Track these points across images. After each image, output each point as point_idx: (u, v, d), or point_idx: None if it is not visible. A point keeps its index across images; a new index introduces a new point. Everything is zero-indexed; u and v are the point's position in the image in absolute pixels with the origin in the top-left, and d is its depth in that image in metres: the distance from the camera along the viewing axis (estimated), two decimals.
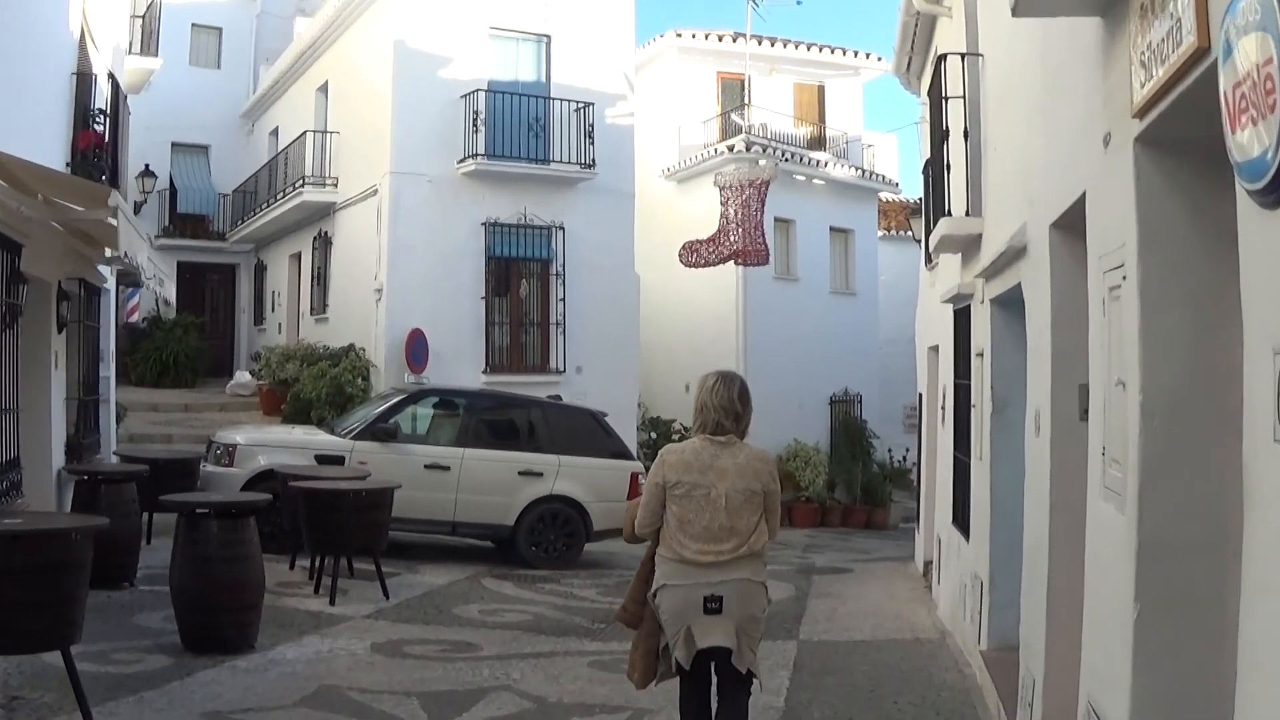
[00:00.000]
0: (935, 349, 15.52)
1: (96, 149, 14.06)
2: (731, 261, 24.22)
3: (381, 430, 16.17)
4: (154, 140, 32.59)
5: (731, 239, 23.54)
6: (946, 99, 10.82)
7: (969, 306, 11.18)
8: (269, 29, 35.02)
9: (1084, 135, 5.81)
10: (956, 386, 12.45)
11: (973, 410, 10.71)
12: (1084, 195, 5.80)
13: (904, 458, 30.02)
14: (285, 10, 34.39)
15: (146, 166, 31.86)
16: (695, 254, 24.18)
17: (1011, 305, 9.36)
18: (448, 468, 16.16)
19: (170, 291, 15.28)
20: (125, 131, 15.88)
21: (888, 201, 35.11)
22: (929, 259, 15.91)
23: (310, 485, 12.81)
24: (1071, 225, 6.47)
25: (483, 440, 16.81)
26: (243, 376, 27.99)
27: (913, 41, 16.25)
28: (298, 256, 29.65)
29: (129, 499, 12.54)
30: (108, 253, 10.50)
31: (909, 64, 17.47)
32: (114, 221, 8.91)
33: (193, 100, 33.97)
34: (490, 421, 17.41)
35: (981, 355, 10.11)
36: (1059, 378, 6.85)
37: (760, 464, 6.36)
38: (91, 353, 15.38)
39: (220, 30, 35.75)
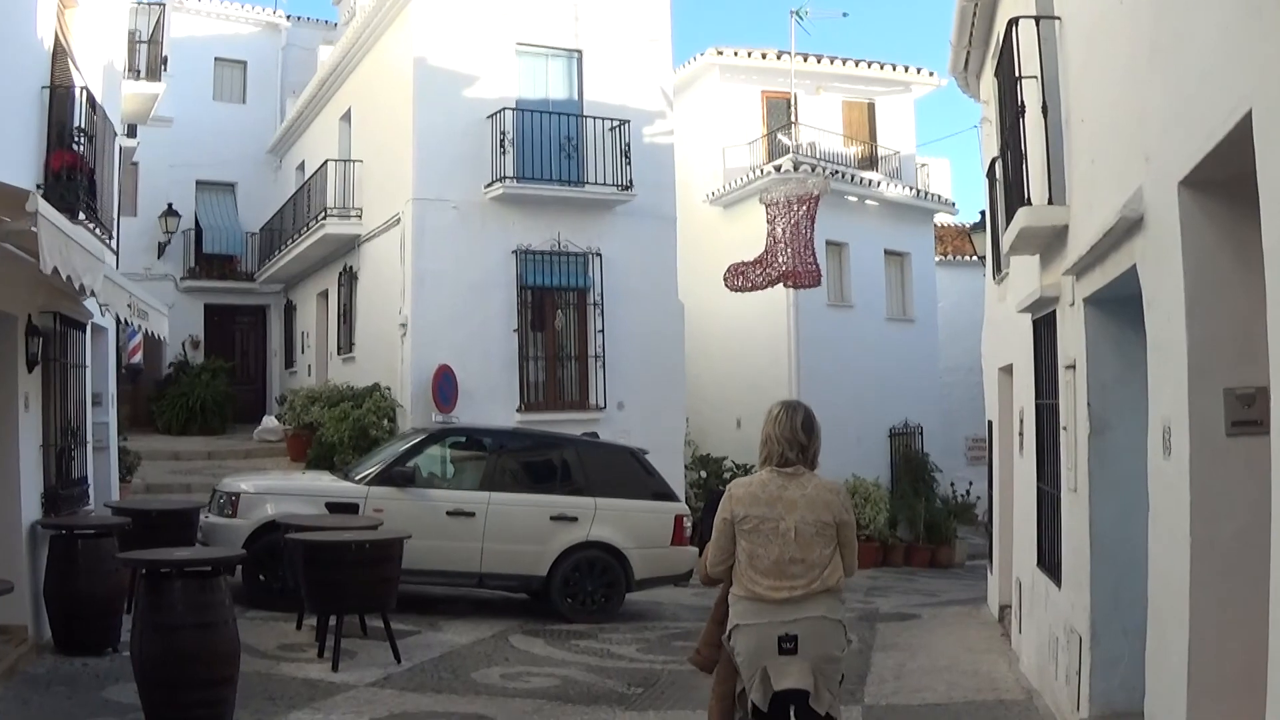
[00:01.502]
0: (1008, 369, 14.00)
1: (72, 170, 12.71)
2: (781, 284, 22.69)
3: (398, 474, 14.87)
4: (178, 178, 32.30)
5: (780, 260, 21.99)
6: (1020, 76, 9.28)
7: (1053, 313, 9.63)
8: (295, 61, 34.01)
9: (1241, 38, 4.31)
10: (1038, 408, 10.87)
11: (1062, 433, 9.13)
12: (1246, 119, 4.24)
13: (967, 492, 28.70)
14: (311, 42, 33.48)
15: (170, 206, 31.47)
16: (741, 277, 22.66)
17: (1111, 304, 7.86)
18: (473, 514, 14.81)
19: (161, 327, 13.91)
20: (107, 154, 14.52)
21: (943, 226, 33.75)
22: (997, 269, 14.42)
23: (309, 537, 11.60)
24: (1211, 178, 5.00)
25: (511, 483, 15.48)
26: (270, 422, 26.91)
27: (971, 32, 14.77)
28: (325, 294, 28.45)
29: (109, 555, 11.26)
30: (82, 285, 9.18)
31: (967, 61, 15.99)
32: (35, 230, 7.48)
33: (217, 136, 33.03)
34: (519, 462, 16.09)
35: (1073, 367, 8.55)
36: (1198, 381, 5.30)
37: (831, 495, 6.16)
38: (78, 395, 14.04)
39: (245, 64, 34.61)
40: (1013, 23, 9.31)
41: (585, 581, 15.24)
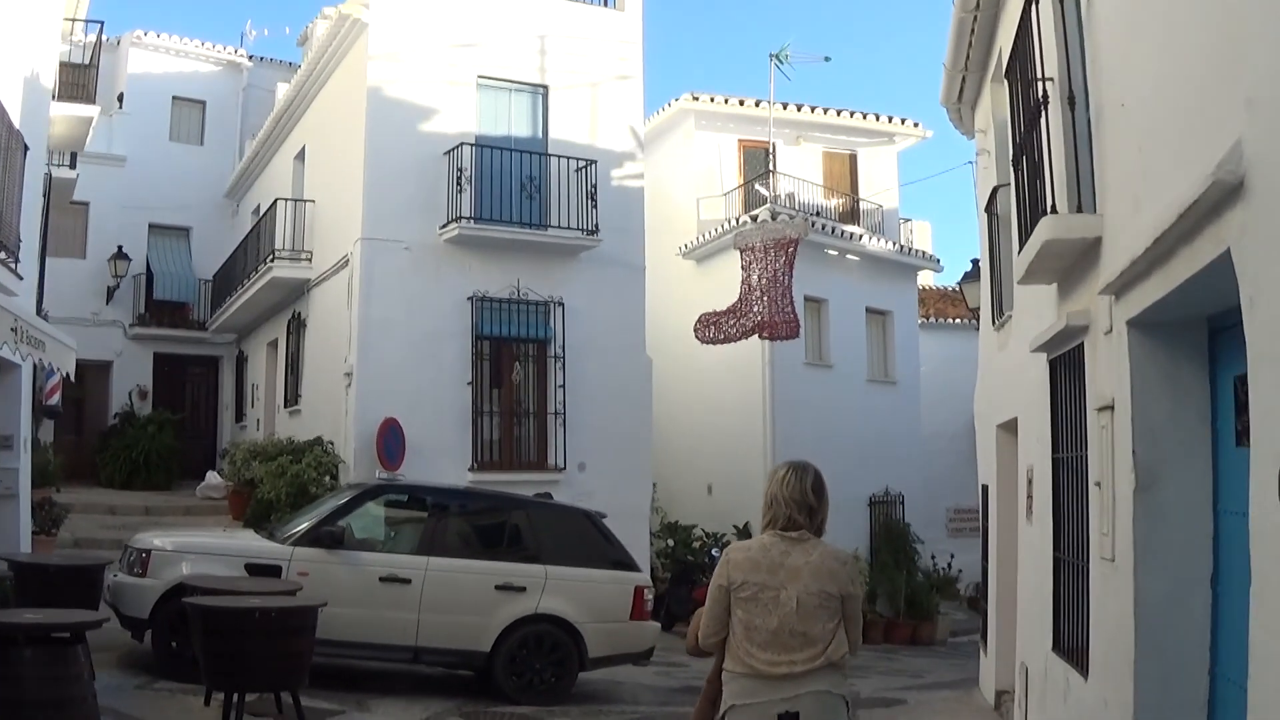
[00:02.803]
0: (1009, 425, 12.50)
1: None
2: (756, 336, 21.22)
3: (326, 534, 13.27)
4: (130, 221, 31.13)
5: (755, 309, 20.52)
6: (1040, 64, 7.82)
7: (1078, 348, 8.12)
8: (256, 103, 32.80)
9: None
10: (1054, 463, 9.32)
11: (1093, 491, 7.58)
12: None
13: (949, 564, 27.52)
14: (273, 83, 32.08)
15: (120, 249, 30.29)
16: (713, 328, 21.19)
17: (1163, 328, 6.39)
18: (409, 580, 13.23)
19: (66, 361, 12.39)
20: (14, 169, 13.17)
21: (925, 288, 32.56)
22: (998, 314, 12.99)
23: (207, 602, 10.10)
24: None
25: (453, 547, 13.84)
26: (214, 478, 25.57)
27: (968, 52, 13.41)
28: (275, 344, 26.99)
29: None
30: None
31: (961, 89, 14.62)
32: None
33: (173, 178, 31.82)
34: (462, 525, 14.46)
35: (1110, 409, 7.02)
36: None
37: (837, 564, 5.75)
38: None
39: (204, 104, 33.43)
40: (1031, 1, 7.84)
41: (533, 659, 13.62)
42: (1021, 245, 8.70)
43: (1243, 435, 5.96)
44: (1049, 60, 7.87)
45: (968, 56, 13.52)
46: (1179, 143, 5.49)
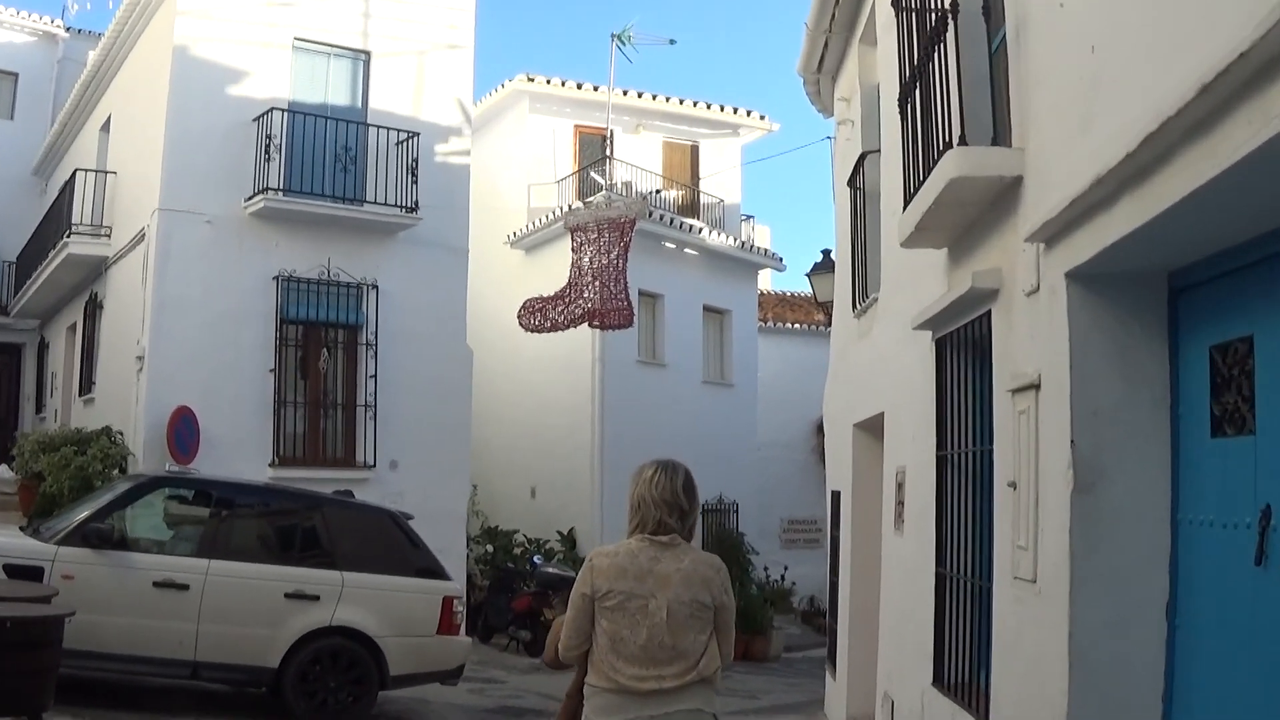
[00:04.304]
0: (870, 424, 11.22)
1: None
2: (586, 324, 19.78)
3: (94, 532, 11.54)
4: None
5: (586, 295, 19.06)
6: None
7: (983, 319, 6.69)
8: (71, 76, 30.35)
9: None
10: (939, 462, 7.90)
11: (1003, 493, 6.15)
12: None
13: (782, 577, 27.02)
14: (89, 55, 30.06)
15: None
16: (539, 315, 19.70)
17: (1115, 286, 5.01)
18: (187, 586, 11.59)
19: None
20: None
21: (764, 293, 31.58)
22: (861, 298, 11.68)
23: None
24: None
25: (238, 550, 12.21)
26: (4, 471, 23.48)
27: (834, 12, 12.13)
28: (74, 328, 24.99)
29: None
30: None
31: (823, 57, 13.34)
32: None
33: None
34: (251, 524, 12.84)
35: (1035, 388, 5.57)
36: None
37: (711, 571, 5.22)
38: None
39: (16, 76, 31.07)
40: None
41: (327, 676, 12.09)
42: (907, 203, 7.30)
43: (1222, 423, 4.61)
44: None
45: (833, 16, 12.25)
46: (1163, 25, 4.08)
